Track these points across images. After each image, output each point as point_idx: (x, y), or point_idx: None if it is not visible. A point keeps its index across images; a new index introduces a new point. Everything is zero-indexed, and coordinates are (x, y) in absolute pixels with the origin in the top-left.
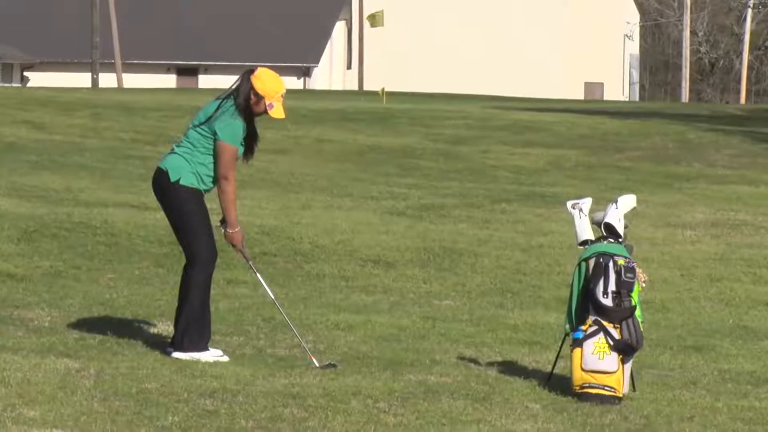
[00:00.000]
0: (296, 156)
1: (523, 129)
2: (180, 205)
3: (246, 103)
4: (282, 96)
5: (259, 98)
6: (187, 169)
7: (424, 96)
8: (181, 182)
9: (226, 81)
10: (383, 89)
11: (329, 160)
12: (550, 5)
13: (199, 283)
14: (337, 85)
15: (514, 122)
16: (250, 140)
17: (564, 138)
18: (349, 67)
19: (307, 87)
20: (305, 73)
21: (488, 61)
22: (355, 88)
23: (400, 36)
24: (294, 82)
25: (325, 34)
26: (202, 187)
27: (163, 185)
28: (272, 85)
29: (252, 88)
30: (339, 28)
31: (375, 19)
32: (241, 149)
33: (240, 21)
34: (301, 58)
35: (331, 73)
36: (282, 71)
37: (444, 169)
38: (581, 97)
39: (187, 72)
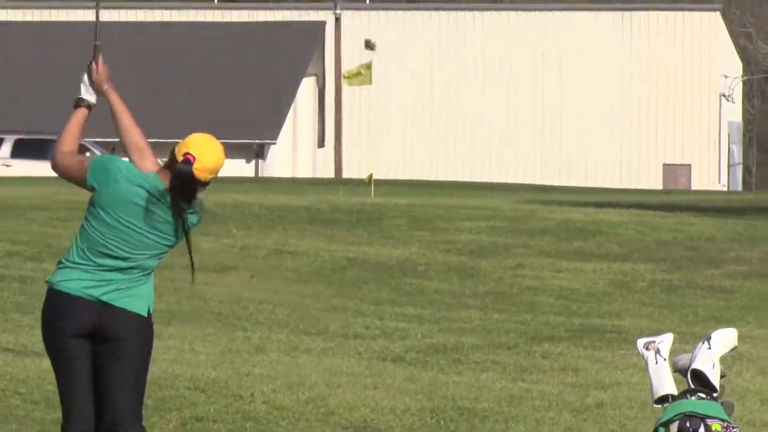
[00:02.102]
0: (245, 275)
1: (574, 233)
2: (46, 326)
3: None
4: (211, 171)
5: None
6: (72, 248)
7: (429, 186)
8: (53, 274)
9: None
10: (371, 176)
11: (292, 280)
12: (614, 51)
13: None
14: (303, 171)
15: (562, 223)
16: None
17: (634, 246)
18: (321, 144)
19: (260, 174)
20: (258, 153)
21: (525, 137)
22: (331, 174)
23: (396, 98)
24: (242, 167)
25: (287, 98)
26: (83, 262)
27: None
28: (203, 151)
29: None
30: (306, 87)
31: (357, 76)
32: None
33: (159, 80)
34: (253, 132)
35: (294, 153)
36: (224, 152)
37: (459, 293)
38: (659, 185)
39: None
